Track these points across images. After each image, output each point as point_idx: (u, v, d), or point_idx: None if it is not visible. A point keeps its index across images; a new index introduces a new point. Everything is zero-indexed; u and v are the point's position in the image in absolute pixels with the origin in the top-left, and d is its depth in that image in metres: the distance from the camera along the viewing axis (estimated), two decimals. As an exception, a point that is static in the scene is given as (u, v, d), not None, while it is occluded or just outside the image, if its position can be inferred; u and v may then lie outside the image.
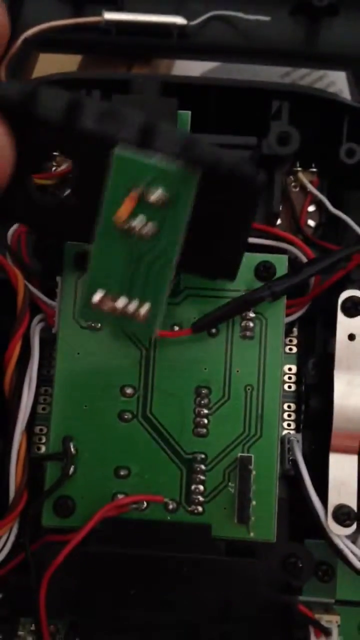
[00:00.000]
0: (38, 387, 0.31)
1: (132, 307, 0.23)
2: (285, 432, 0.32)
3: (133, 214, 0.22)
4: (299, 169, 0.34)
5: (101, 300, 0.23)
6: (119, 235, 0.23)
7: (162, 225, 0.22)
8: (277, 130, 0.27)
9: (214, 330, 0.30)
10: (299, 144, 0.27)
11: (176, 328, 0.30)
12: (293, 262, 0.30)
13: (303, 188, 0.34)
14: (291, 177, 0.34)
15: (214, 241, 0.25)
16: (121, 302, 0.23)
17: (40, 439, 0.32)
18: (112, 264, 0.23)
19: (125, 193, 0.22)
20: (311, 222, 0.34)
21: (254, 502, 0.28)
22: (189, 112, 0.29)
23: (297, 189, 0.35)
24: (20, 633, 0.32)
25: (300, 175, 0.34)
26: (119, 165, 0.22)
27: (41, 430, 0.32)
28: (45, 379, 0.32)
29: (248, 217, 0.24)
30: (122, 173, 0.22)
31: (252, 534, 0.28)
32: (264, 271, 0.30)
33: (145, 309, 0.23)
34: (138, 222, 0.22)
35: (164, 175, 0.22)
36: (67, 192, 0.28)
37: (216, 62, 0.42)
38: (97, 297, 0.23)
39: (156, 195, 0.22)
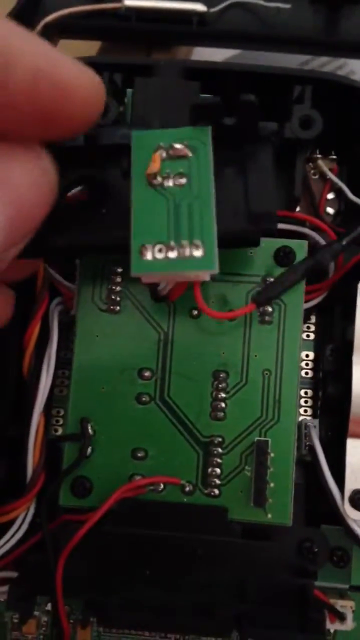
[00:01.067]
0: (56, 369, 0.31)
1: (183, 248, 0.23)
2: (301, 418, 0.32)
3: (162, 169, 0.24)
4: (319, 156, 0.34)
5: (151, 249, 0.23)
6: (153, 192, 0.24)
7: (190, 173, 0.24)
8: (300, 114, 0.27)
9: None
10: (321, 127, 0.27)
11: (194, 312, 0.30)
12: (313, 247, 0.30)
13: (322, 175, 0.34)
14: (310, 164, 0.34)
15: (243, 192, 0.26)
16: (171, 247, 0.23)
17: (57, 421, 0.32)
18: (153, 217, 0.24)
19: (149, 157, 0.24)
20: (330, 210, 0.34)
21: (270, 486, 0.28)
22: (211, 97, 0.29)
23: (317, 177, 0.34)
24: (36, 613, 0.32)
25: (320, 162, 0.34)
26: (139, 141, 0.24)
27: (58, 412, 0.33)
28: (62, 362, 0.32)
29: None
30: (142, 146, 0.24)
31: (268, 516, 0.28)
32: (284, 256, 0.30)
33: (197, 246, 0.23)
34: (168, 174, 0.24)
35: (180, 134, 0.24)
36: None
37: (236, 49, 0.42)
38: (145, 246, 0.23)
39: (178, 147, 0.24)
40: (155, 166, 0.24)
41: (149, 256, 0.23)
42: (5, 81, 0.18)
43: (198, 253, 0.23)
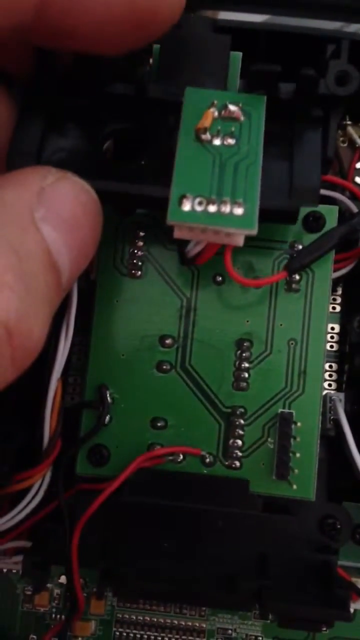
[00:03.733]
0: (74, 336, 0.30)
1: (224, 204, 0.22)
2: (325, 392, 0.31)
3: (212, 127, 0.23)
4: (349, 122, 0.33)
5: (191, 199, 0.22)
6: (200, 147, 0.23)
7: (240, 135, 0.24)
8: (336, 69, 0.26)
9: (258, 282, 0.29)
10: (359, 84, 0.26)
11: (219, 278, 0.29)
12: (343, 214, 0.29)
13: (352, 143, 0.33)
14: (340, 131, 0.33)
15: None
16: (212, 201, 0.22)
17: (74, 389, 0.32)
18: (197, 171, 0.23)
19: (200, 113, 0.24)
20: (359, 180, 0.33)
21: (294, 459, 0.28)
22: (240, 54, 0.28)
23: (346, 144, 0.33)
24: (49, 585, 0.32)
25: (350, 129, 0.33)
26: (192, 97, 0.24)
27: (75, 380, 0.32)
28: (81, 328, 0.31)
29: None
30: (194, 102, 0.24)
31: (294, 487, 0.27)
32: (313, 222, 0.28)
33: (239, 204, 0.22)
34: (218, 132, 0.24)
35: (234, 98, 0.24)
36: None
37: (264, 14, 0.40)
38: (186, 196, 0.22)
39: (232, 108, 0.24)
40: (206, 121, 0.23)
41: (187, 206, 0.22)
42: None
43: (239, 211, 0.22)
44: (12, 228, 0.19)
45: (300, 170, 0.24)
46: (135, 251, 0.29)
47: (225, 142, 0.23)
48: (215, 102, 0.24)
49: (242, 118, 0.24)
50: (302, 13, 0.37)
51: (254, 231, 0.22)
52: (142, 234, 0.29)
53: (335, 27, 0.41)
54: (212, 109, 0.24)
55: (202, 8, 0.40)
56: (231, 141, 0.23)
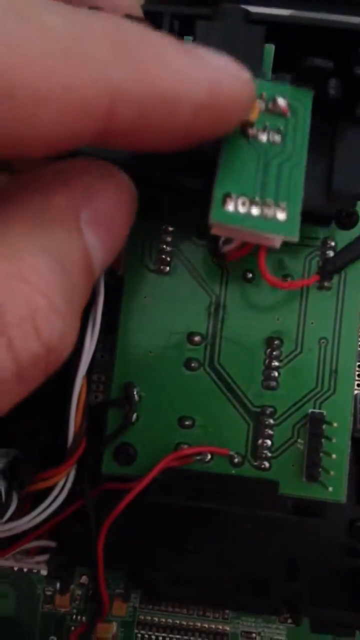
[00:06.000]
0: (99, 332, 0.30)
1: (267, 207, 0.22)
2: (356, 392, 0.30)
3: (258, 122, 0.23)
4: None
5: (234, 199, 0.22)
6: (246, 142, 0.23)
7: (286, 133, 0.23)
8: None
9: (288, 279, 0.28)
10: None
11: (249, 275, 0.28)
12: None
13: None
14: None
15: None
16: (255, 202, 0.22)
17: (97, 387, 0.31)
18: (241, 169, 0.22)
19: None
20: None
21: (325, 460, 0.27)
22: (273, 46, 0.28)
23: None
24: (72, 586, 0.31)
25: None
26: None
27: (99, 378, 0.31)
28: (106, 326, 0.31)
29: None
30: None
31: (329, 489, 0.27)
32: (346, 218, 0.28)
33: (282, 208, 0.22)
34: (265, 127, 0.23)
35: (283, 90, 0.23)
36: None
37: (287, 9, 0.40)
38: (230, 195, 0.22)
39: (281, 103, 0.23)
40: (254, 114, 0.22)
41: (230, 207, 0.22)
42: (171, 127, 0.18)
43: (282, 216, 0.22)
44: (60, 236, 0.18)
45: (341, 172, 0.24)
46: (164, 247, 0.28)
47: (271, 139, 0.23)
48: (264, 93, 0.23)
49: (288, 114, 0.23)
50: (326, 8, 0.37)
51: (295, 238, 0.22)
52: (170, 229, 0.28)
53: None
54: (259, 101, 0.23)
55: (227, 2, 0.40)
56: (277, 138, 0.23)
